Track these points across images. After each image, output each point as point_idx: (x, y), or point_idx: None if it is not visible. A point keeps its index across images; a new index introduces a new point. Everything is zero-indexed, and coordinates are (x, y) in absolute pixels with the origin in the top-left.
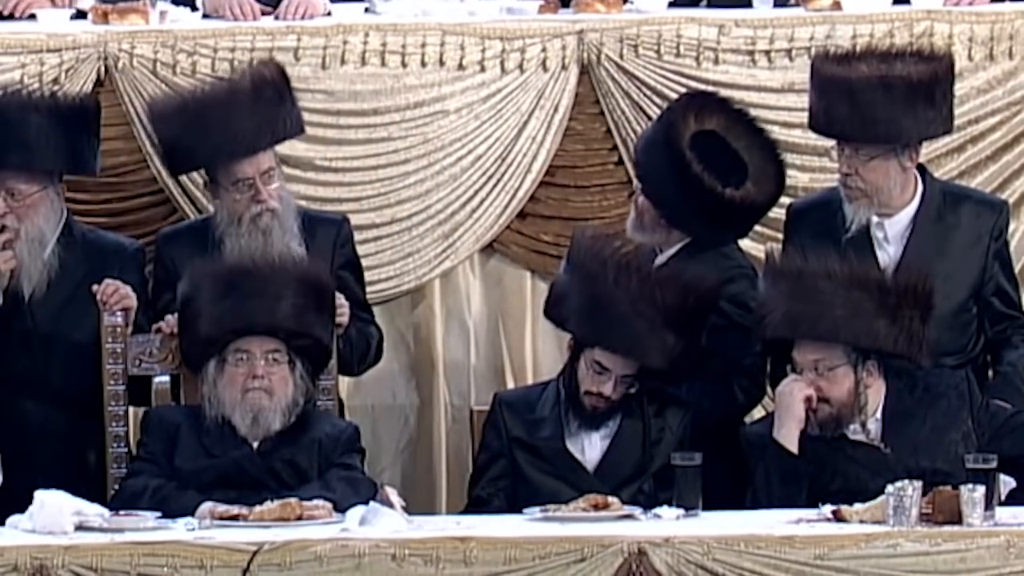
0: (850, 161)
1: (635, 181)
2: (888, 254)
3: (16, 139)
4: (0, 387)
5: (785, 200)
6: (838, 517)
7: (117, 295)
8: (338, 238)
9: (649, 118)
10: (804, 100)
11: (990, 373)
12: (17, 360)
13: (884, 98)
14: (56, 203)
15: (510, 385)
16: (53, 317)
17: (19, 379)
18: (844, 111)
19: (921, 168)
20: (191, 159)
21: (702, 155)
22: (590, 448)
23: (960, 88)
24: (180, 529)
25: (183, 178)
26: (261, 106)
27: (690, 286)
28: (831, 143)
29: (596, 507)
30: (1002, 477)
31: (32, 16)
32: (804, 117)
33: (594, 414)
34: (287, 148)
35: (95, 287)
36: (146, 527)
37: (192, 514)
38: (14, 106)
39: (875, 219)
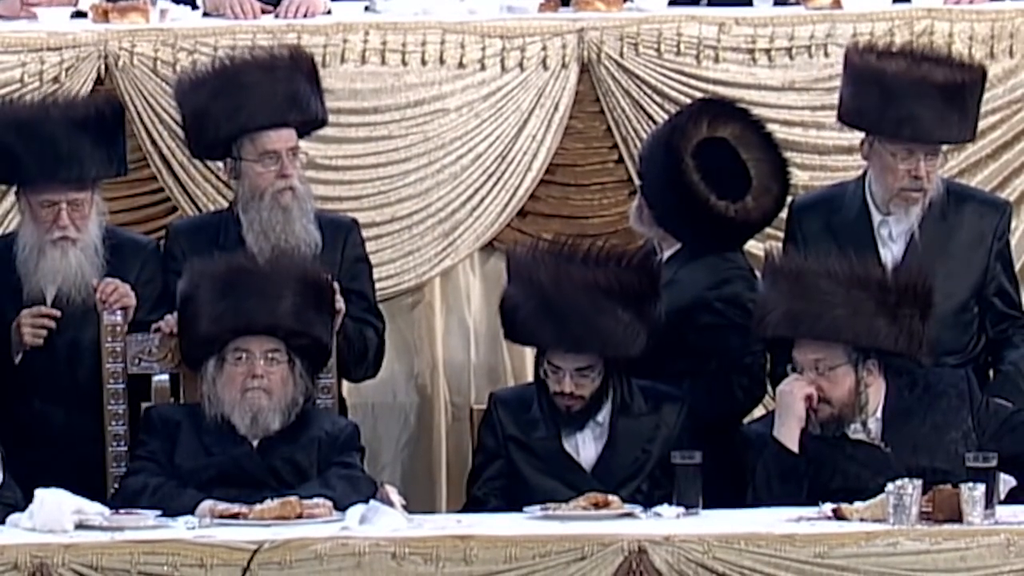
0: (927, 165)
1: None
2: (892, 252)
3: (66, 153)
4: (21, 388)
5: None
6: (838, 515)
7: (117, 293)
8: (348, 237)
9: (649, 116)
10: (804, 98)
11: (991, 373)
12: (38, 360)
13: (918, 97)
14: (101, 207)
15: (510, 383)
16: (77, 316)
17: (40, 380)
18: (876, 105)
19: None
20: (219, 128)
21: (707, 163)
22: (585, 448)
23: None
24: (180, 528)
25: (183, 176)
26: (297, 79)
27: (625, 257)
28: (832, 142)
29: (596, 505)
30: (1002, 476)
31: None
32: (804, 115)
33: (570, 414)
34: None
35: (94, 283)
36: (146, 525)
37: (192, 512)
38: (54, 119)
39: (879, 217)
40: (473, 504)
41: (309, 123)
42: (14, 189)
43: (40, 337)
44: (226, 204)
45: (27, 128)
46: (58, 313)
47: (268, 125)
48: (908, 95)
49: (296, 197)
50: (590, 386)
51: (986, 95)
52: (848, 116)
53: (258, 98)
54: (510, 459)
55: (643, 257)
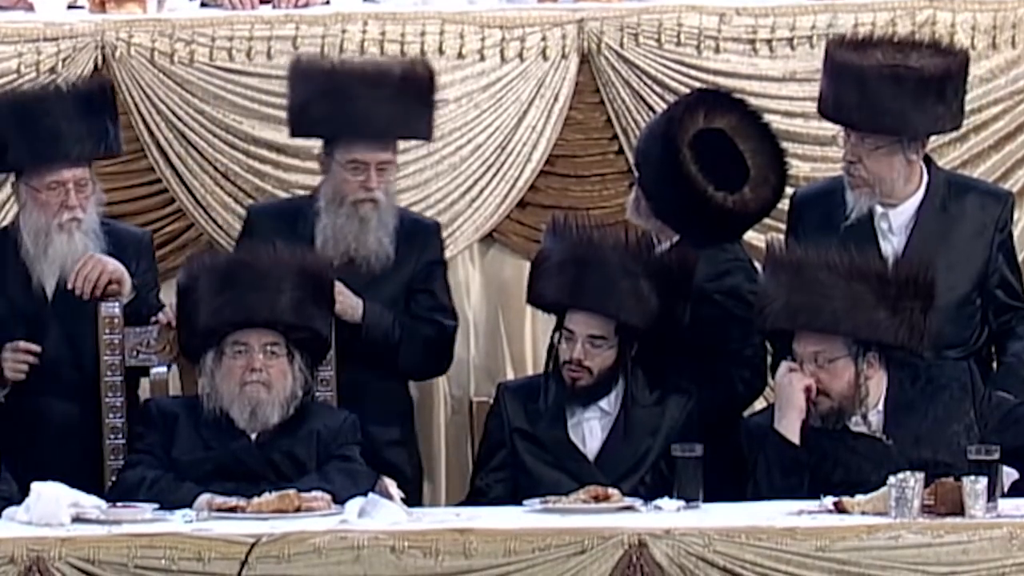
0: (855, 149)
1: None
2: (892, 245)
3: (62, 134)
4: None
5: (787, 190)
6: (840, 509)
7: (95, 271)
8: (428, 243)
9: (649, 107)
10: (805, 89)
11: (994, 365)
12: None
13: (894, 90)
14: (100, 194)
15: (509, 376)
16: (73, 310)
17: (40, 371)
18: (854, 99)
19: (926, 158)
20: (317, 125)
21: (704, 154)
22: (591, 438)
23: None
24: (178, 521)
25: (180, 167)
26: (402, 99)
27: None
28: (833, 132)
29: (596, 499)
30: (1005, 469)
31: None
32: (805, 106)
33: (575, 389)
34: (286, 137)
35: (72, 285)
36: (143, 519)
37: (190, 506)
38: (47, 104)
39: (879, 209)
40: (475, 494)
41: (412, 138)
42: (11, 180)
43: (22, 372)
44: (224, 196)
45: (21, 114)
46: (39, 349)
47: (364, 139)
48: (886, 89)
49: (377, 209)
50: (599, 360)
51: (988, 86)
52: (827, 111)
53: (360, 111)
54: (515, 450)
55: (686, 254)
